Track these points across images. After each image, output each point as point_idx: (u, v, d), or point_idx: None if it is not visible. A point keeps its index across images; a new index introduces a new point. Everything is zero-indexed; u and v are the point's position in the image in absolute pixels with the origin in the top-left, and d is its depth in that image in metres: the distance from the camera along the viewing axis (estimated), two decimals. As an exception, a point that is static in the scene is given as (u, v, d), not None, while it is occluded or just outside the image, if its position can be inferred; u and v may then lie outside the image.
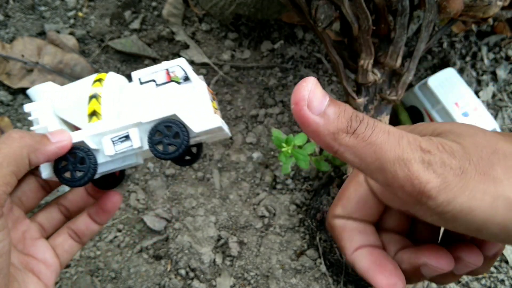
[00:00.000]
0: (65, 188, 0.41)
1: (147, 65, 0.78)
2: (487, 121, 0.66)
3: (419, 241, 0.33)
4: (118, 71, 0.78)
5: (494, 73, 0.80)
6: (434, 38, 0.61)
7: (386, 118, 0.59)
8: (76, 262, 0.66)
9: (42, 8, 0.80)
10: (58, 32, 0.78)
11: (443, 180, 0.23)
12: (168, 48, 0.79)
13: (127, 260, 0.66)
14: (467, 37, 0.81)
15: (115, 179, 0.39)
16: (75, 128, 0.34)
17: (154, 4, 0.81)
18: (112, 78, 0.35)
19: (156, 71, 0.34)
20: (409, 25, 0.56)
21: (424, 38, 0.56)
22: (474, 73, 0.79)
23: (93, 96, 0.34)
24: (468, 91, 0.68)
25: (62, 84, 0.40)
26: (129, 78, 0.36)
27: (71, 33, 0.79)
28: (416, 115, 0.73)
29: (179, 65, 0.34)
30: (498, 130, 0.66)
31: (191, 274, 0.65)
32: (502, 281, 0.68)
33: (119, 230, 0.68)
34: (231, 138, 0.73)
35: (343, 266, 0.62)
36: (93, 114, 0.33)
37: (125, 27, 0.80)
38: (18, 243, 0.36)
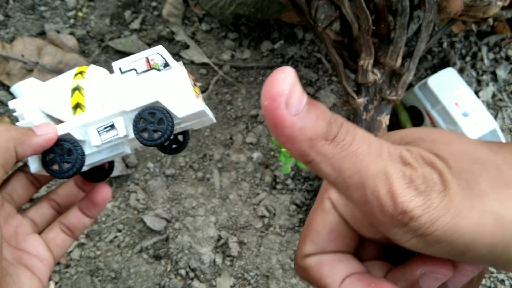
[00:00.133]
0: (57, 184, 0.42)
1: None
2: (487, 121, 0.66)
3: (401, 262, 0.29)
4: (118, 71, 0.78)
5: (494, 73, 0.80)
6: (434, 38, 0.61)
7: (386, 118, 0.59)
8: (76, 262, 0.66)
9: (42, 8, 0.80)
10: (58, 32, 0.78)
11: (427, 198, 0.20)
12: (168, 48, 0.79)
13: (127, 260, 0.66)
14: (467, 37, 0.81)
15: (104, 172, 0.39)
16: (60, 122, 0.35)
17: (154, 4, 0.81)
18: (94, 70, 0.35)
19: (136, 59, 0.34)
20: (409, 25, 0.56)
21: (424, 38, 0.56)
22: (474, 73, 0.79)
23: (76, 89, 0.34)
24: (468, 91, 0.68)
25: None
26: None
27: (71, 33, 0.79)
28: (416, 115, 0.73)
29: (158, 53, 0.34)
30: (498, 130, 0.66)
31: (191, 274, 0.65)
32: (502, 281, 0.68)
33: (119, 230, 0.68)
34: (231, 138, 0.73)
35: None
36: (77, 106, 0.34)
37: (125, 27, 0.80)
38: (11, 239, 0.36)
